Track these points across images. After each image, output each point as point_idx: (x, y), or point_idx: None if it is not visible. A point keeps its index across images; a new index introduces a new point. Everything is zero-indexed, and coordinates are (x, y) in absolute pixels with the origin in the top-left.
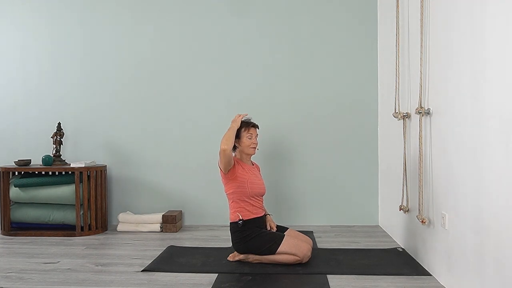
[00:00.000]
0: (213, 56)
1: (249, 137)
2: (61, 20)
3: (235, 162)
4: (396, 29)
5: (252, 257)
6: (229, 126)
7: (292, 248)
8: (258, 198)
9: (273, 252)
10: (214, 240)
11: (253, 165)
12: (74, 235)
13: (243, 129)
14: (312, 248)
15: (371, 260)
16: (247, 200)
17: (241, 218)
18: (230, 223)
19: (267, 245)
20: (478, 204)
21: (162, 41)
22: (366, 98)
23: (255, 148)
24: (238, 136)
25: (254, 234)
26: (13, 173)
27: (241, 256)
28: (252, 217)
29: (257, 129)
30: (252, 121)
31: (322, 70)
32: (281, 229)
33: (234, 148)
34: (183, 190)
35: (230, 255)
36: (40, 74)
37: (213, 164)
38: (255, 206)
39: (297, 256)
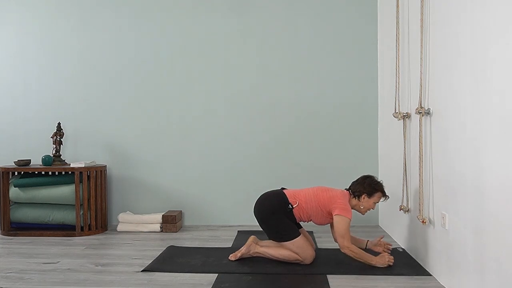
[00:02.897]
0: (213, 56)
1: (376, 202)
2: (60, 20)
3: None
4: (396, 29)
5: (254, 249)
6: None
7: (299, 248)
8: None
9: (282, 240)
10: (214, 240)
11: None
12: (74, 235)
13: (378, 194)
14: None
15: None
16: (305, 217)
17: (294, 206)
18: (283, 197)
19: (283, 232)
20: (478, 204)
21: (162, 40)
22: (366, 98)
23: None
24: (370, 195)
25: (283, 219)
26: (13, 173)
27: (243, 250)
28: (296, 217)
29: None
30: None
31: (322, 70)
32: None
33: (356, 197)
34: (183, 190)
35: (231, 254)
36: (40, 74)
37: (213, 164)
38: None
39: (299, 256)
